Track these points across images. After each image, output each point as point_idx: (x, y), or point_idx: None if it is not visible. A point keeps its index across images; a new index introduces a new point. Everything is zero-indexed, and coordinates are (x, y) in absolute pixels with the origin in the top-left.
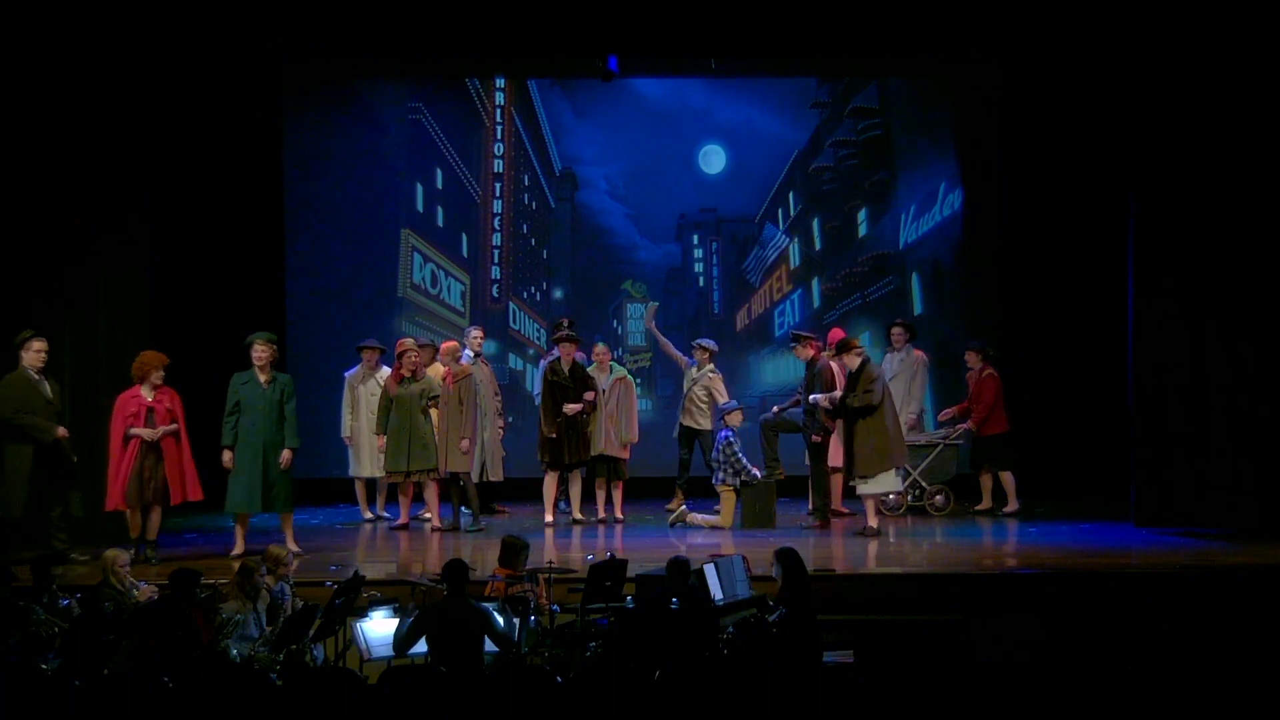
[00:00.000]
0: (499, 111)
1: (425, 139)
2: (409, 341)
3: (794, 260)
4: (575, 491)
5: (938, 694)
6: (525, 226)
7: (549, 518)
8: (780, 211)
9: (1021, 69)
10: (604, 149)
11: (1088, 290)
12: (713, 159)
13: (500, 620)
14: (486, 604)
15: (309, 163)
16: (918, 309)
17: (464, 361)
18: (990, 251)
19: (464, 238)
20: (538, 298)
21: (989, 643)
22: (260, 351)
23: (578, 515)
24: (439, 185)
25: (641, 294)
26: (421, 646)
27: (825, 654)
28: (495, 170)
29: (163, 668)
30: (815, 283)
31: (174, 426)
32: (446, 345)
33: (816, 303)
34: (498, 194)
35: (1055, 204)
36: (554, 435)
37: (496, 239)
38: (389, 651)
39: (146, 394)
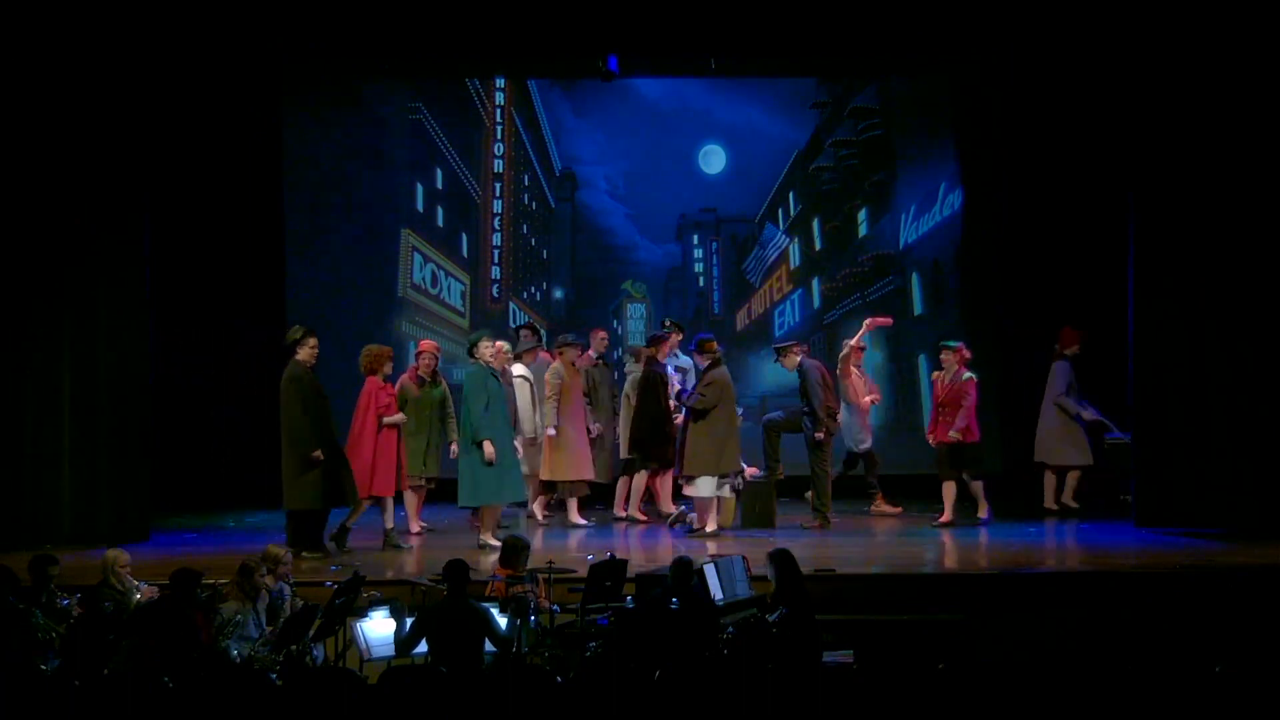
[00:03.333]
0: (499, 111)
1: (425, 139)
2: (431, 344)
3: (794, 260)
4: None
5: (938, 694)
6: (525, 226)
7: (626, 512)
8: (780, 211)
9: (1021, 69)
10: (604, 149)
11: (1088, 290)
12: (713, 159)
13: (500, 621)
14: (486, 604)
15: (309, 163)
16: (918, 309)
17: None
18: (990, 251)
19: (464, 238)
20: (538, 298)
21: (989, 643)
22: (490, 349)
23: (637, 513)
24: (439, 185)
25: (641, 294)
26: (422, 646)
27: (825, 654)
28: (495, 170)
29: (163, 668)
30: (815, 283)
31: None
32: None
33: (816, 303)
34: (498, 194)
35: (1055, 204)
36: (668, 431)
37: (496, 239)
38: (389, 651)
39: (384, 384)
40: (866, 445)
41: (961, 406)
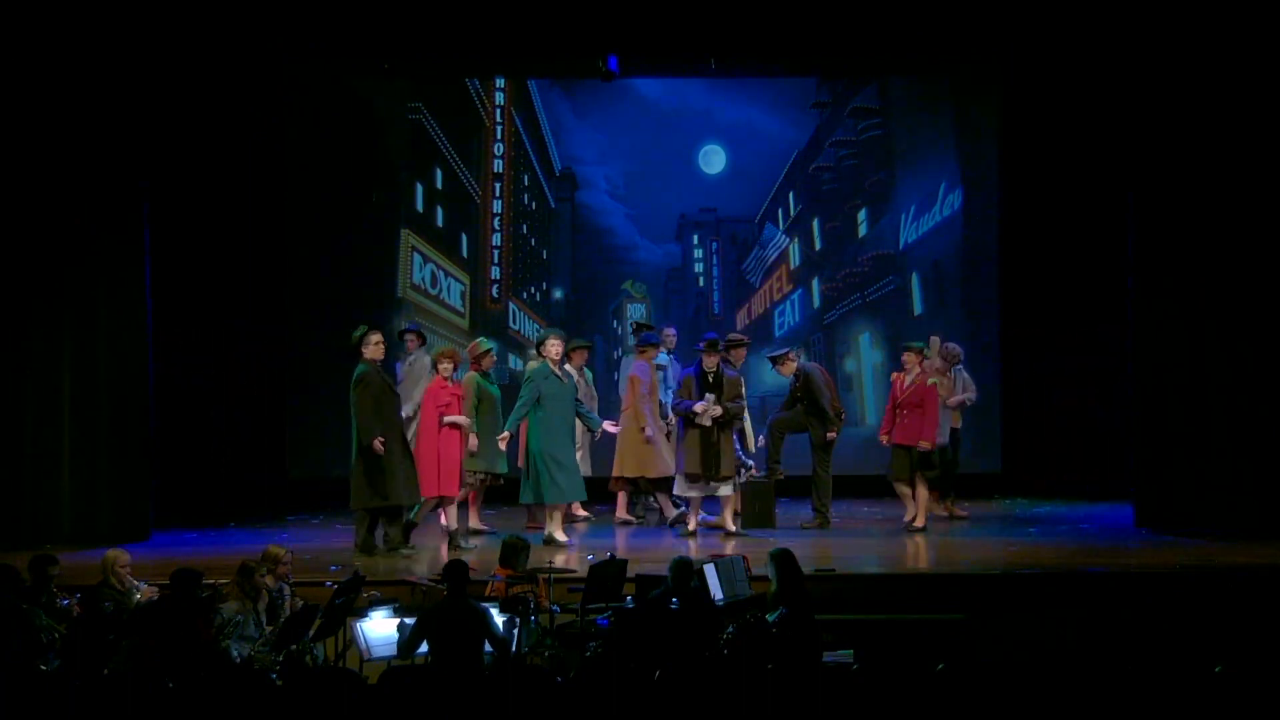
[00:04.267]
0: (499, 111)
1: (425, 139)
2: (487, 342)
3: (794, 260)
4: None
5: (938, 694)
6: (525, 226)
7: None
8: (780, 211)
9: (1021, 69)
10: (604, 149)
11: (1087, 290)
12: (713, 159)
13: (500, 621)
14: (486, 604)
15: (309, 162)
16: (918, 309)
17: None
18: (990, 251)
19: (464, 238)
20: (538, 298)
21: (989, 643)
22: (557, 347)
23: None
24: (439, 185)
25: (641, 294)
26: (422, 647)
27: (825, 654)
28: (495, 170)
29: (163, 668)
30: (815, 283)
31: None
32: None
33: (816, 303)
34: (498, 194)
35: (1055, 204)
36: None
37: (496, 239)
38: (389, 651)
39: (448, 383)
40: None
41: (920, 409)
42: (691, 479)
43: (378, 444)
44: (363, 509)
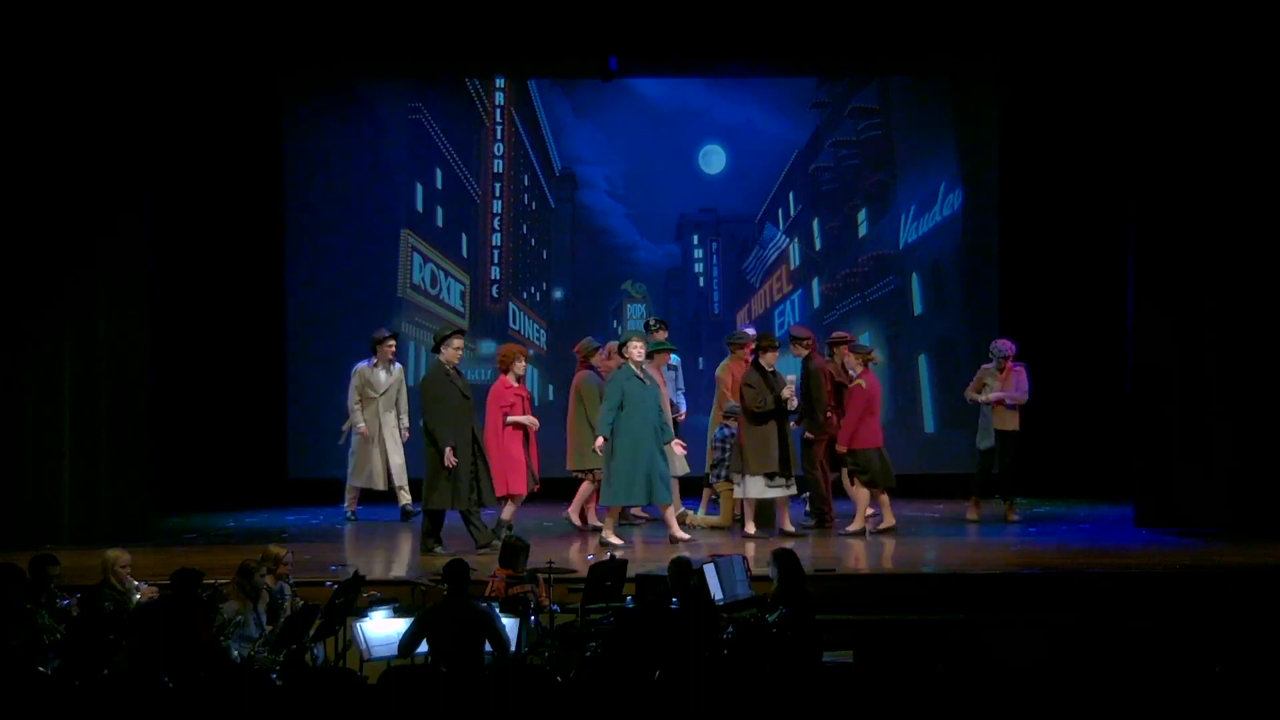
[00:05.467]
0: (499, 111)
1: (425, 139)
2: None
3: (794, 260)
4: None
5: (938, 694)
6: (525, 226)
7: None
8: (780, 211)
9: (1021, 69)
10: (604, 149)
11: (1088, 290)
12: (713, 159)
13: (499, 622)
14: (488, 604)
15: (309, 163)
16: (918, 309)
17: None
18: (990, 251)
19: (464, 238)
20: (538, 298)
21: (989, 643)
22: (640, 349)
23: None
24: (439, 185)
25: (641, 294)
26: (422, 647)
27: (825, 654)
28: (495, 170)
29: (163, 668)
30: (815, 283)
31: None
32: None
33: (816, 303)
34: (498, 194)
35: (1055, 204)
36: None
37: (496, 239)
38: (389, 651)
39: (514, 383)
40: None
41: (874, 413)
42: (770, 479)
43: (450, 456)
44: (429, 510)
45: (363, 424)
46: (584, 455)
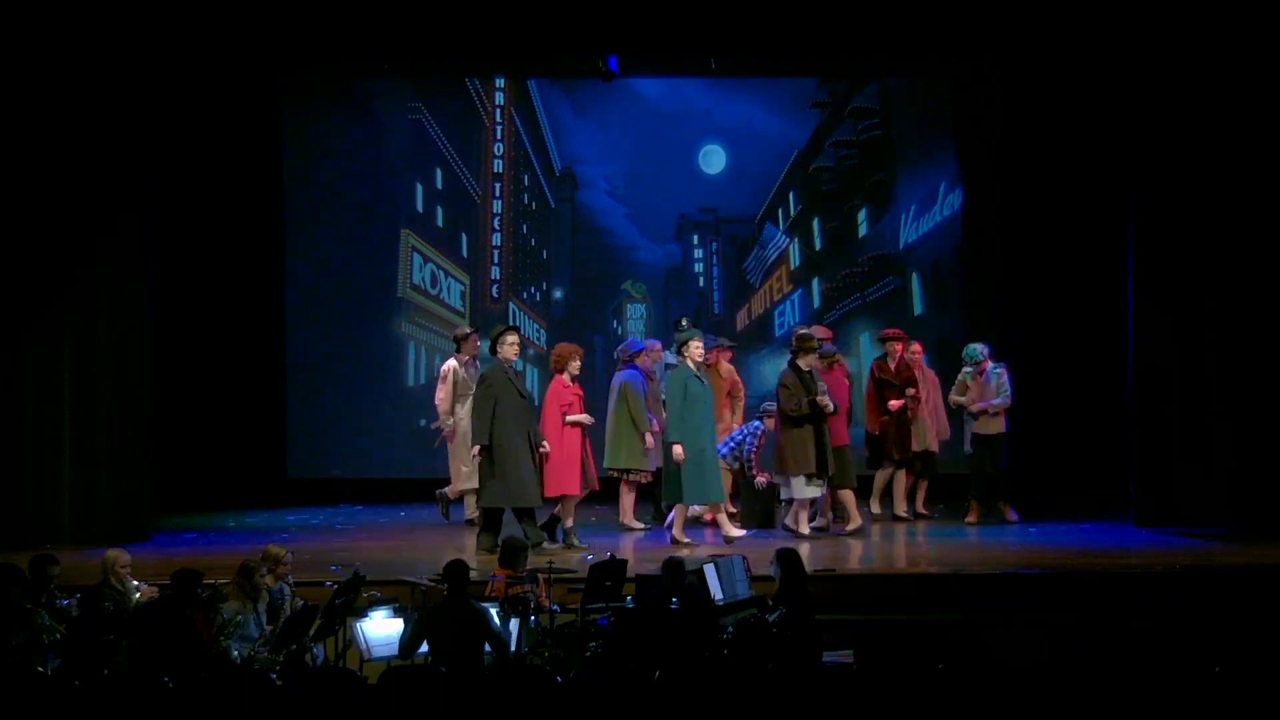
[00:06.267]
0: (499, 111)
1: (425, 139)
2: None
3: (794, 260)
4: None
5: (938, 694)
6: (525, 226)
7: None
8: (780, 211)
9: (1021, 68)
10: (604, 149)
11: (1088, 290)
12: (713, 159)
13: (494, 622)
14: (486, 604)
15: (309, 163)
16: (918, 309)
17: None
18: (990, 251)
19: (464, 238)
20: (538, 298)
21: (989, 643)
22: (700, 349)
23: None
24: (439, 185)
25: (641, 294)
26: (422, 647)
27: (825, 654)
28: (495, 170)
29: (163, 668)
30: (815, 283)
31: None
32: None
33: (816, 303)
34: (498, 194)
35: (1055, 204)
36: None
37: (496, 239)
38: (389, 651)
39: (569, 382)
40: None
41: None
42: (810, 478)
43: (476, 451)
44: (483, 507)
45: (450, 424)
46: (623, 455)
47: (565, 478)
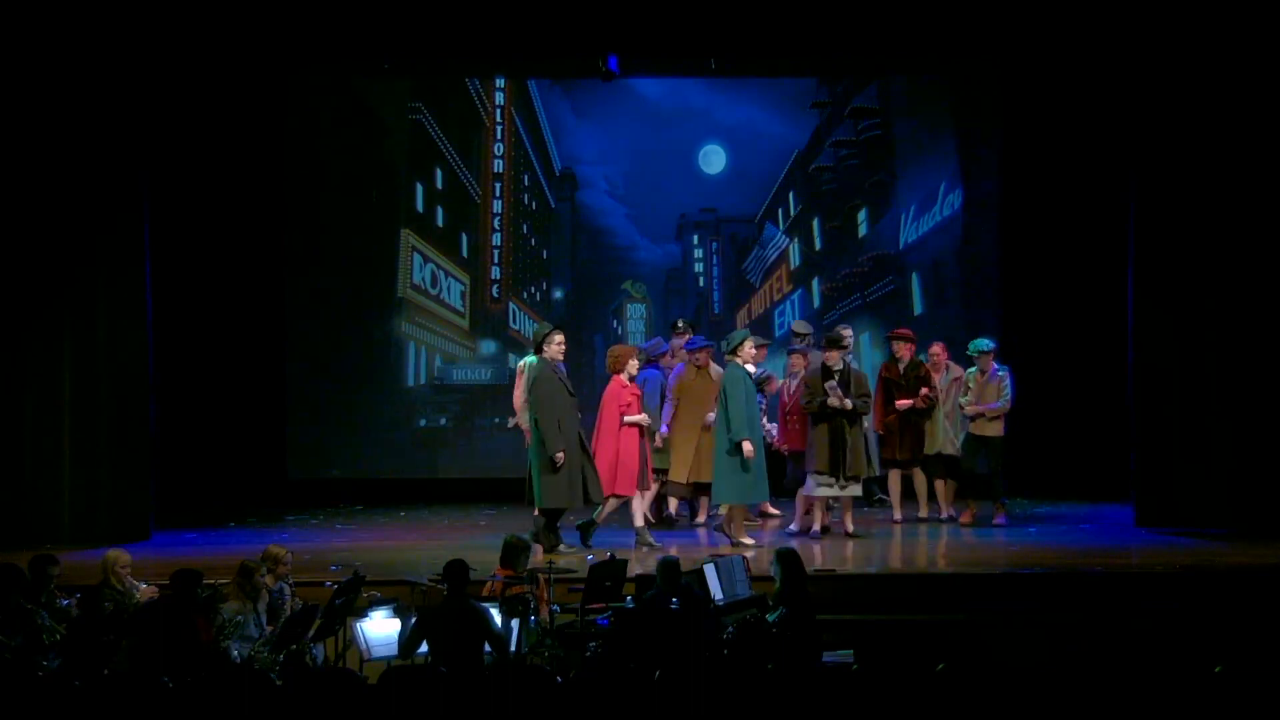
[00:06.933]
0: (499, 111)
1: (425, 139)
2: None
3: (794, 260)
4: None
5: (938, 694)
6: (525, 226)
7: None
8: (780, 211)
9: (1021, 68)
10: (604, 149)
11: (1088, 290)
12: (713, 159)
13: (498, 622)
14: (486, 604)
15: (309, 162)
16: (918, 309)
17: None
18: (990, 251)
19: (464, 238)
20: (538, 298)
21: (989, 643)
22: (753, 349)
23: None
24: (439, 185)
25: (641, 294)
26: (422, 647)
27: (825, 654)
28: (495, 170)
29: (163, 668)
30: (815, 283)
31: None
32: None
33: (816, 303)
34: (498, 194)
35: (1055, 204)
36: (881, 432)
37: (496, 239)
38: (389, 651)
39: (628, 383)
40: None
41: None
42: (821, 477)
43: (559, 457)
44: (545, 509)
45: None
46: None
47: (621, 479)
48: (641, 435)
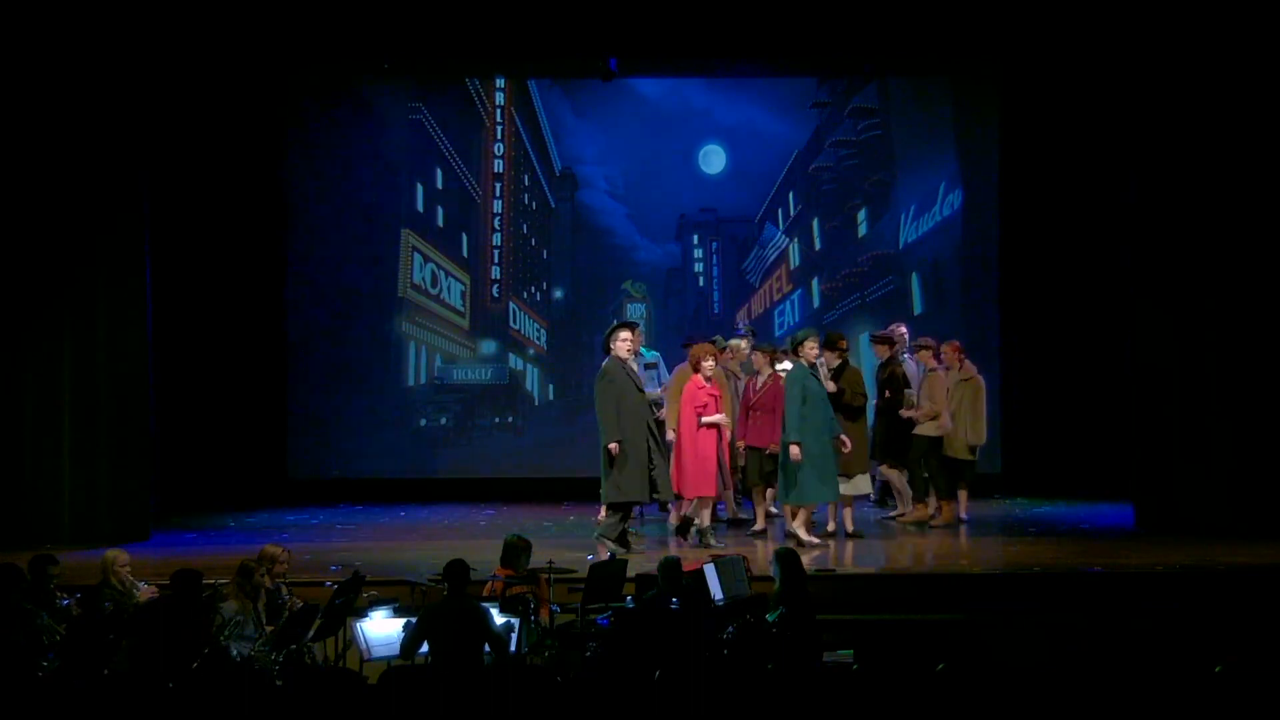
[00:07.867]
0: (499, 111)
1: (425, 139)
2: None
3: (794, 260)
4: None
5: (938, 694)
6: (525, 226)
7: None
8: (780, 211)
9: (1021, 68)
10: (604, 149)
11: (1087, 290)
12: (713, 159)
13: (498, 621)
14: (486, 604)
15: (310, 163)
16: (918, 309)
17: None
18: (990, 251)
19: (464, 238)
20: (538, 298)
21: (989, 643)
22: (815, 348)
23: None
24: (439, 185)
25: (641, 294)
26: (423, 647)
27: (825, 654)
28: (495, 170)
29: (163, 668)
30: (815, 283)
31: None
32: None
33: (816, 303)
34: (498, 194)
35: (1055, 204)
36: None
37: (496, 239)
38: (389, 651)
39: (704, 382)
40: None
41: (773, 412)
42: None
43: (614, 447)
44: (612, 504)
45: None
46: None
47: (701, 479)
48: (719, 434)
